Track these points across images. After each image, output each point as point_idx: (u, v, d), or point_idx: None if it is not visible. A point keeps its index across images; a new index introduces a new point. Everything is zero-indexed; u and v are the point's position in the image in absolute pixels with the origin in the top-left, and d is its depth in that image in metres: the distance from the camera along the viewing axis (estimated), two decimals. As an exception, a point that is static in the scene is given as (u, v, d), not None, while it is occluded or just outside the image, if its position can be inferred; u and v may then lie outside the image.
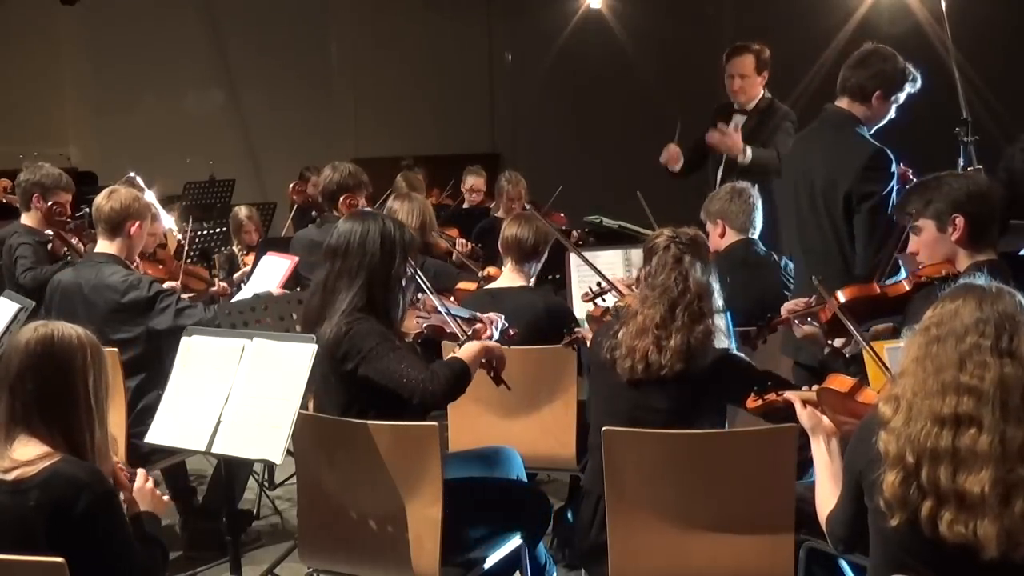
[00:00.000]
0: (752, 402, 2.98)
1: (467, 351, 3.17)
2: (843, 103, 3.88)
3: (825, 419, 2.72)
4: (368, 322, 3.07)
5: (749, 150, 5.27)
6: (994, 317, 2.13)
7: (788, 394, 2.86)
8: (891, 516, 2.17)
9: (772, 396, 2.93)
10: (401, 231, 3.21)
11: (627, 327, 3.14)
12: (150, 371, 4.14)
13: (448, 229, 6.23)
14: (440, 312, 3.46)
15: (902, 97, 3.86)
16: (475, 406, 3.28)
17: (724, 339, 3.21)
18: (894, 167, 3.77)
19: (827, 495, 2.57)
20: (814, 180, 3.87)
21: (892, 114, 3.89)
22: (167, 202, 6.80)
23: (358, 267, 3.12)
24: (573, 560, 4.02)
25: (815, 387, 2.85)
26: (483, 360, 3.22)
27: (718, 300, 3.20)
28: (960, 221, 3.09)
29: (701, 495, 2.93)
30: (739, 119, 5.48)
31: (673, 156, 5.60)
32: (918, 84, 3.86)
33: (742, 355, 3.24)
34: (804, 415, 2.75)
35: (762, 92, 5.48)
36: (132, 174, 6.75)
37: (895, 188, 3.76)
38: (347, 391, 3.11)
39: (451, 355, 3.18)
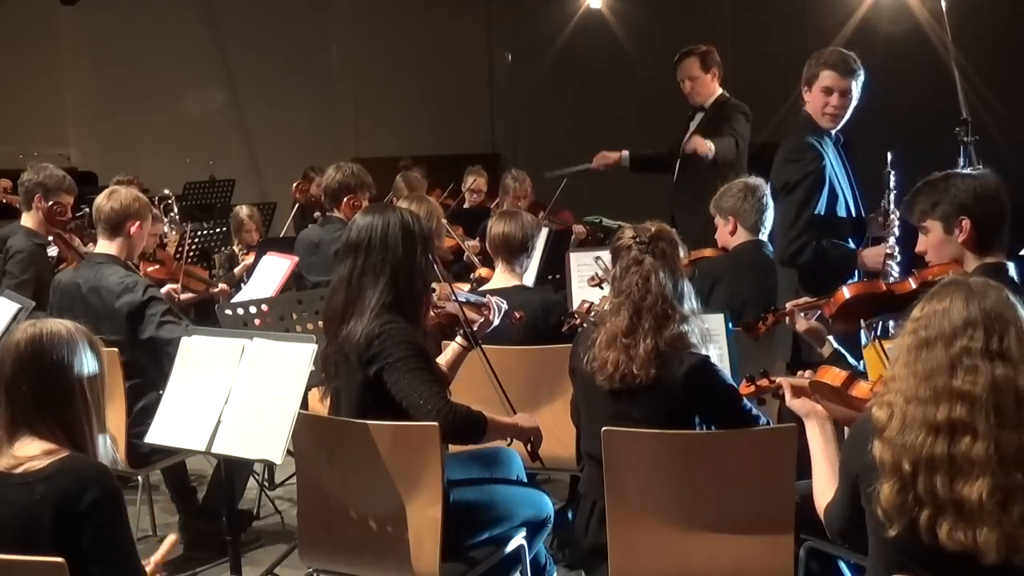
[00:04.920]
0: (745, 388, 2.97)
1: (500, 420, 3.18)
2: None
3: (818, 406, 2.73)
4: (403, 328, 3.03)
5: (713, 148, 5.46)
6: (982, 318, 2.11)
7: (780, 380, 2.87)
8: (889, 526, 2.15)
9: (764, 382, 2.93)
10: (419, 222, 3.19)
11: (600, 335, 3.07)
12: (145, 373, 4.14)
13: (453, 228, 6.24)
14: (453, 300, 3.45)
15: (826, 79, 3.90)
16: (475, 406, 3.28)
17: (702, 341, 3.07)
18: (813, 155, 3.83)
19: (824, 482, 2.56)
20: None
21: (833, 103, 3.91)
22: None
23: (382, 262, 3.07)
24: (573, 560, 4.02)
25: (807, 374, 2.86)
26: (522, 439, 3.26)
27: (691, 301, 3.10)
28: (967, 223, 3.08)
29: (701, 495, 2.93)
30: (699, 117, 5.75)
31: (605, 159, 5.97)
32: (837, 63, 3.92)
33: (721, 369, 3.16)
34: (797, 402, 2.75)
35: (719, 91, 5.70)
36: (166, 192, 6.82)
37: (815, 179, 3.83)
38: (366, 395, 3.07)
39: (489, 415, 3.13)
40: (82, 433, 2.37)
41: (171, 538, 2.51)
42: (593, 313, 3.60)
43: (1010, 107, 8.26)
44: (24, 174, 5.21)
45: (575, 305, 4.56)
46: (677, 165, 5.77)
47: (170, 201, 6.74)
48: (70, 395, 2.37)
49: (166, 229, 6.35)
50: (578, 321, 3.73)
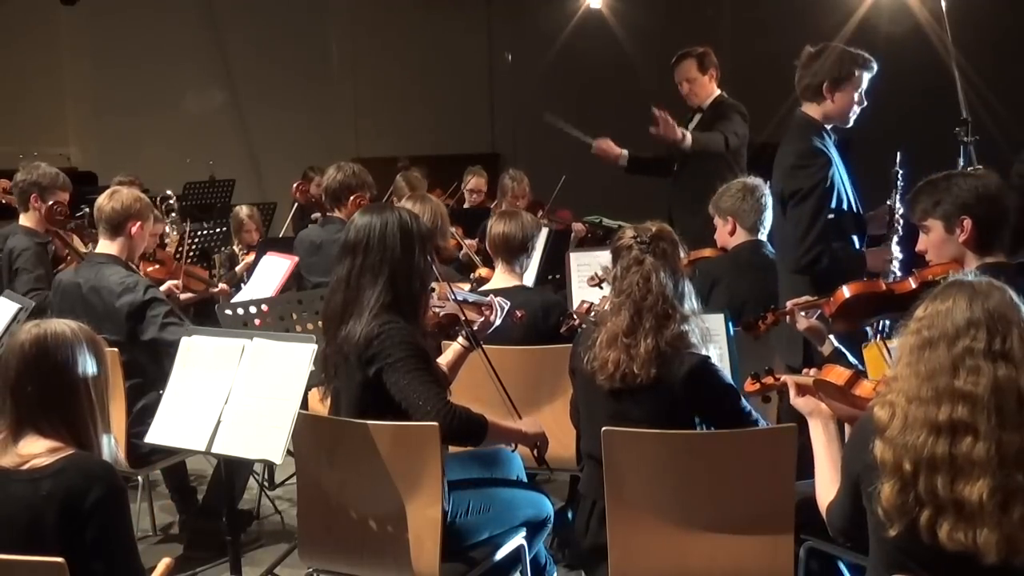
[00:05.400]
0: (750, 386, 2.97)
1: (504, 426, 3.18)
2: (805, 108, 3.96)
3: (822, 404, 2.73)
4: (402, 328, 3.02)
5: (688, 135, 5.49)
6: (985, 318, 2.11)
7: (785, 378, 2.87)
8: (890, 526, 2.15)
9: (769, 380, 2.94)
10: (417, 222, 3.18)
11: (600, 335, 3.08)
12: (145, 373, 4.14)
13: (453, 228, 6.24)
14: (451, 300, 3.44)
15: (863, 81, 3.87)
16: (475, 406, 3.28)
17: (703, 341, 3.08)
18: (822, 160, 3.80)
19: (827, 481, 2.56)
20: (772, 187, 3.99)
21: (859, 103, 3.89)
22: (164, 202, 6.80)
23: (380, 262, 3.07)
24: (573, 560, 4.02)
25: (812, 372, 2.86)
26: (528, 445, 3.27)
27: (691, 301, 3.11)
28: (968, 223, 3.09)
29: (701, 495, 2.93)
30: (696, 118, 5.73)
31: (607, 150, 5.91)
32: (874, 66, 3.88)
33: (721, 369, 3.15)
34: (800, 400, 2.76)
35: (716, 91, 5.70)
36: (168, 192, 6.83)
37: (827, 184, 3.78)
38: (366, 396, 3.07)
39: (492, 419, 3.12)
40: (87, 432, 2.39)
41: (165, 561, 2.51)
42: (593, 313, 3.60)
43: (1010, 107, 8.25)
44: (17, 175, 5.20)
45: (575, 305, 4.57)
46: (676, 165, 5.76)
47: (171, 202, 6.74)
48: (75, 395, 2.38)
49: (167, 229, 6.36)
50: (577, 322, 3.74)
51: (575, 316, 3.82)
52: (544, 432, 3.29)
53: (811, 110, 3.93)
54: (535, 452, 3.27)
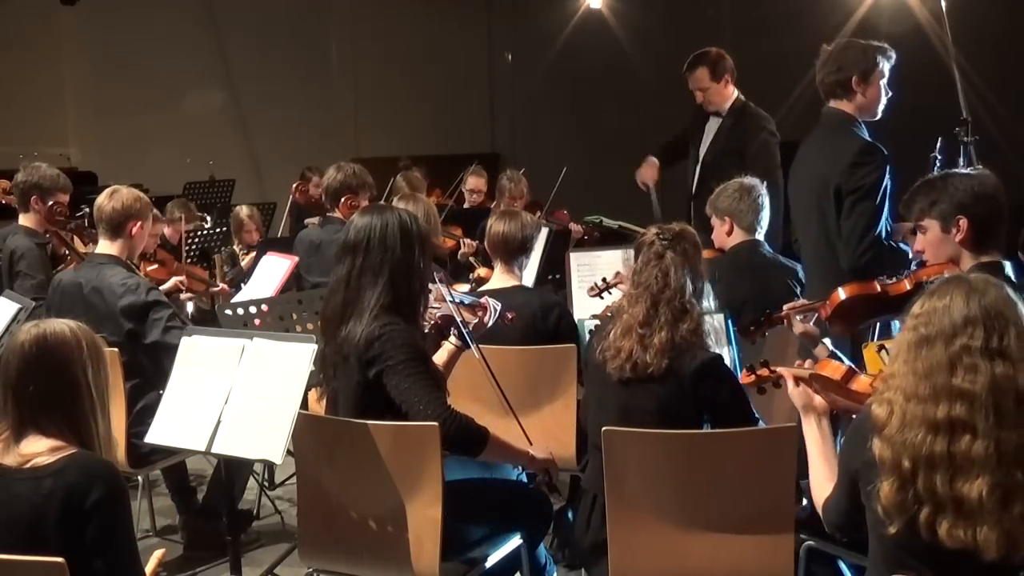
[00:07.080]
0: (745, 377, 2.98)
1: (512, 446, 3.17)
2: (836, 104, 3.90)
3: (817, 398, 2.73)
4: (403, 330, 3.02)
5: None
6: (982, 315, 2.11)
7: (781, 370, 2.87)
8: (889, 524, 2.16)
9: (765, 372, 2.94)
10: (417, 223, 3.18)
11: (615, 327, 3.12)
12: (145, 374, 4.14)
13: (452, 228, 6.25)
14: (447, 301, 3.45)
15: (886, 70, 3.86)
16: (475, 406, 3.28)
17: (717, 342, 3.12)
18: (881, 156, 3.76)
19: (822, 478, 2.56)
20: (812, 183, 3.90)
21: (886, 93, 3.88)
22: (164, 203, 6.78)
23: (381, 263, 3.07)
24: (573, 560, 4.03)
25: (807, 364, 2.86)
26: (536, 469, 3.25)
27: (707, 299, 3.13)
28: (964, 223, 3.08)
29: (701, 495, 2.93)
30: (714, 122, 5.54)
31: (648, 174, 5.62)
32: (892, 54, 3.87)
33: (731, 370, 3.16)
34: (796, 393, 2.76)
35: (734, 94, 5.51)
36: (202, 215, 6.84)
37: (886, 183, 3.75)
38: (365, 396, 3.07)
39: (498, 437, 3.10)
40: (88, 431, 2.39)
41: (159, 552, 2.53)
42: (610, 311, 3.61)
43: (1010, 107, 8.27)
44: (17, 175, 5.18)
45: (575, 305, 4.57)
46: (696, 175, 5.57)
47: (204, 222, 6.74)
48: (76, 394, 2.39)
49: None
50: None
51: (599, 320, 3.81)
52: (554, 459, 3.27)
53: (843, 106, 3.88)
54: (544, 478, 3.26)
